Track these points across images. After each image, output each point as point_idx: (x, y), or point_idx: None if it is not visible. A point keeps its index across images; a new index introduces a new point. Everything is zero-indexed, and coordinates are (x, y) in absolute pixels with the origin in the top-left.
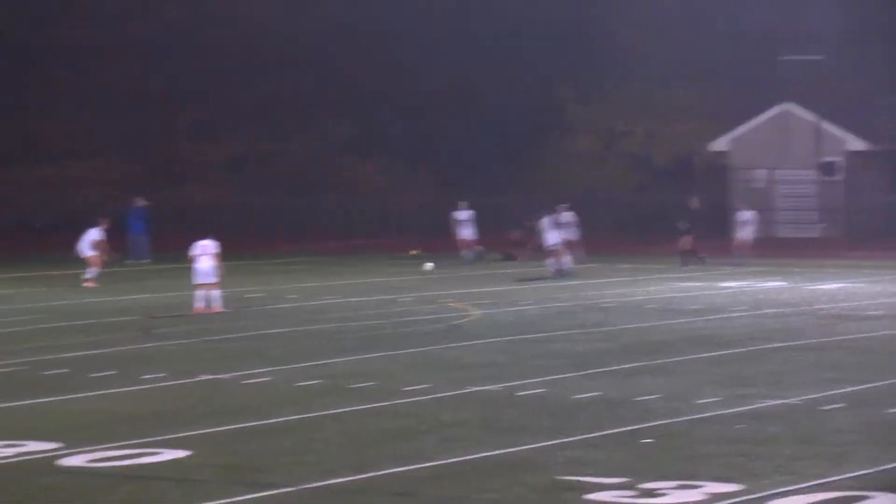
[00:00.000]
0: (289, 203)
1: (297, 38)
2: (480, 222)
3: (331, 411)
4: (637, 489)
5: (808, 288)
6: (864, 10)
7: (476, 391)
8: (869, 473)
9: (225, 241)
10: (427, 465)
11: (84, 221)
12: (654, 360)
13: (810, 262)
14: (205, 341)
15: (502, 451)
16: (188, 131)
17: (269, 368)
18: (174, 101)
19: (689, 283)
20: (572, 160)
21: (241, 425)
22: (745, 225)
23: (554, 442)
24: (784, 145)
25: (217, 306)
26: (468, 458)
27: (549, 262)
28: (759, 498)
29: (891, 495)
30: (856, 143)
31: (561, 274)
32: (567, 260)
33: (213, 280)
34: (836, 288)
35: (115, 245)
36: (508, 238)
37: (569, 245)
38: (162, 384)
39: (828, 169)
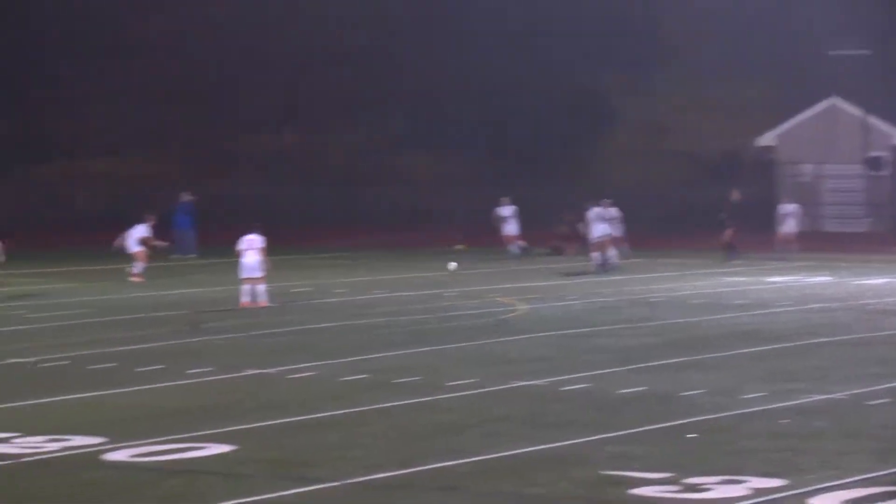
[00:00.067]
0: (337, 197)
1: (346, 30)
2: (529, 217)
3: (376, 406)
4: (682, 484)
5: (854, 283)
6: None
7: (522, 386)
8: None
9: (271, 236)
10: (472, 459)
11: (131, 216)
12: (700, 355)
13: (857, 257)
14: (251, 336)
15: (547, 446)
16: (236, 124)
17: (315, 363)
18: (222, 94)
19: (736, 278)
20: (620, 155)
21: (287, 420)
22: (788, 218)
23: (599, 437)
24: (831, 140)
25: (263, 301)
26: (513, 452)
27: (594, 256)
28: (803, 493)
29: None
30: None
31: (604, 268)
32: (612, 254)
33: (260, 275)
34: (883, 283)
35: (163, 239)
36: (556, 232)
37: (613, 240)
38: (208, 379)
39: (874, 164)
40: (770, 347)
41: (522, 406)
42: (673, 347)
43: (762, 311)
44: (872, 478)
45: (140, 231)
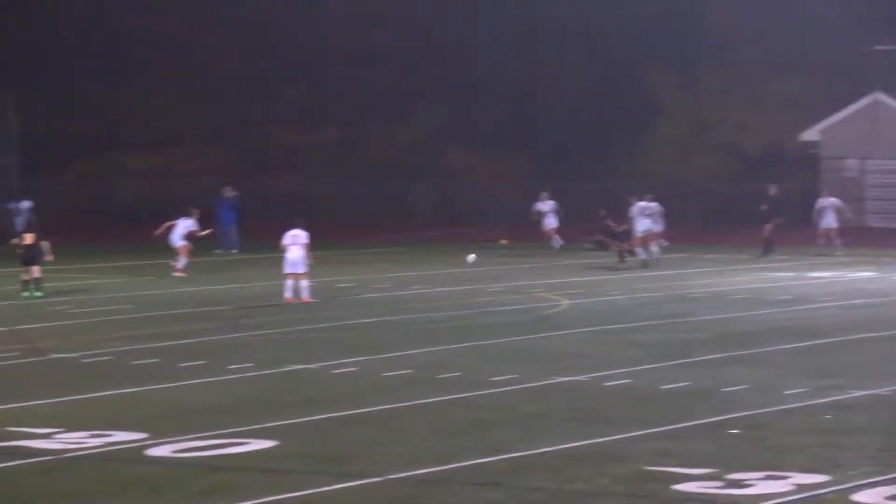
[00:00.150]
0: (379, 192)
1: (390, 24)
2: (571, 212)
3: (417, 401)
4: (723, 480)
5: None
6: None
7: (563, 382)
8: None
9: (313, 231)
10: (512, 455)
11: (175, 211)
12: (742, 350)
13: None
14: (293, 331)
15: (589, 442)
16: (278, 119)
17: (357, 358)
18: (266, 89)
19: (778, 273)
20: (663, 149)
21: (329, 415)
22: (827, 212)
23: (640, 432)
24: (875, 135)
25: (306, 296)
26: (554, 448)
27: (637, 252)
28: (845, 489)
29: None
30: None
31: (646, 263)
32: (654, 249)
33: (303, 270)
34: None
35: (209, 235)
36: (598, 228)
37: (655, 235)
38: (250, 374)
39: None
40: (812, 343)
41: (563, 402)
42: (715, 343)
43: (805, 307)
44: None
45: (186, 225)
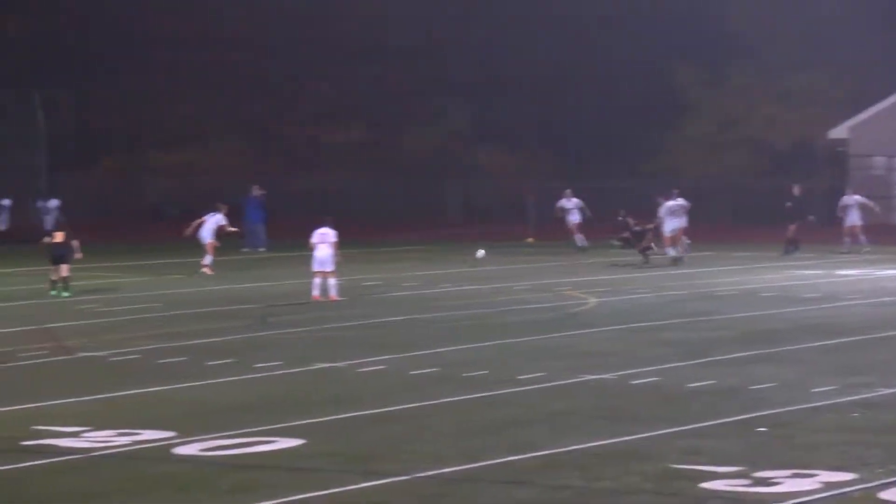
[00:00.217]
0: (406, 190)
1: (417, 23)
2: (600, 209)
3: (444, 400)
4: (751, 478)
5: None
6: None
7: (590, 380)
8: None
9: (343, 229)
10: (540, 453)
11: (202, 208)
12: (769, 348)
13: None
14: (321, 329)
15: (616, 440)
16: (306, 117)
17: (384, 357)
18: (294, 87)
19: (806, 271)
20: (691, 146)
21: (356, 413)
22: (851, 210)
23: (668, 430)
24: None
25: (333, 295)
26: (581, 446)
27: (668, 250)
28: (872, 487)
29: None
30: None
31: (677, 261)
32: (681, 248)
33: (331, 268)
34: None
35: (237, 233)
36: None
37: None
38: (277, 372)
39: None
40: (840, 341)
41: (590, 400)
42: (742, 341)
43: (832, 305)
44: None
45: (215, 220)
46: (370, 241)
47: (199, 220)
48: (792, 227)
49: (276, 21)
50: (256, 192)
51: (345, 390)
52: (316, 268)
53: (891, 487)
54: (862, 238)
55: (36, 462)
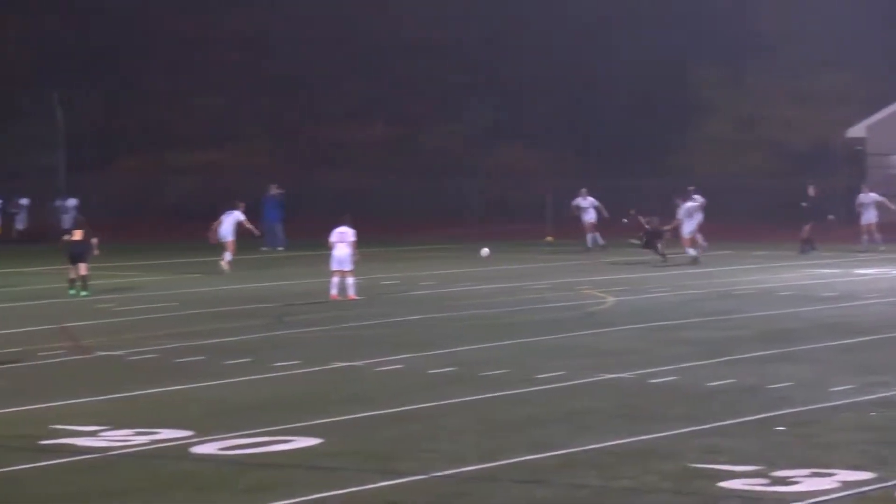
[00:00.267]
0: (425, 189)
1: (440, 21)
2: (617, 208)
3: (463, 399)
4: (770, 477)
5: None
6: None
7: (609, 379)
8: None
9: (362, 227)
10: (558, 452)
11: (221, 208)
12: (787, 347)
13: None
14: (339, 328)
15: (635, 439)
16: (326, 116)
17: (402, 356)
18: (313, 86)
19: (824, 270)
20: (710, 145)
21: (374, 413)
22: (868, 208)
23: (686, 430)
24: None
25: (351, 294)
26: (600, 445)
27: (688, 251)
28: (891, 486)
29: None
30: None
31: (697, 260)
32: (702, 245)
33: (349, 267)
34: None
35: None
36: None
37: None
38: (295, 372)
39: None
40: (858, 340)
41: (609, 399)
42: (760, 340)
43: (851, 304)
44: None
45: (235, 217)
46: (389, 239)
47: (216, 222)
48: (806, 228)
49: (296, 20)
50: (274, 191)
51: (362, 389)
52: (334, 267)
53: None
54: (877, 237)
55: (54, 461)
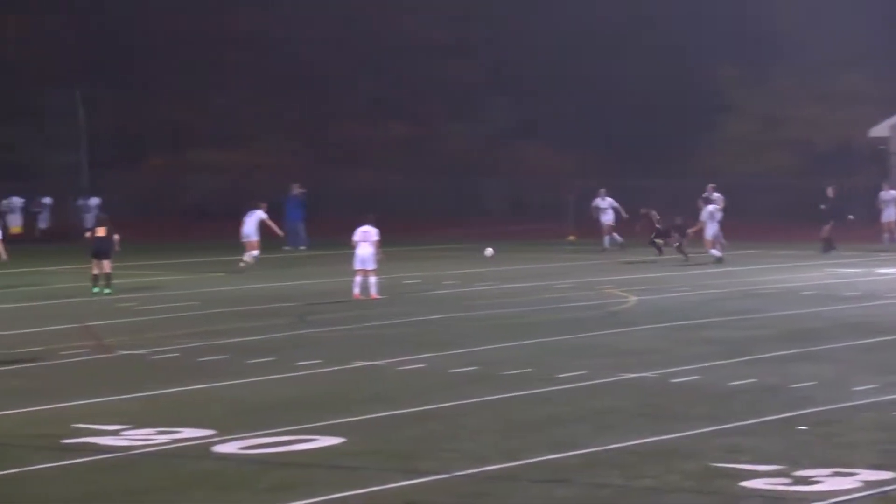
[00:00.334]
0: (447, 188)
1: (462, 21)
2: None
3: (485, 398)
4: (792, 476)
5: None
6: None
7: (631, 378)
8: None
9: (384, 226)
10: (580, 452)
11: (241, 206)
12: (810, 346)
13: None
14: (361, 328)
15: (657, 438)
16: (347, 115)
17: (424, 355)
18: (334, 85)
19: (847, 270)
20: (733, 145)
21: (396, 412)
22: (889, 205)
23: (708, 429)
24: None
25: (374, 293)
26: (622, 445)
27: (712, 251)
28: None
29: None
30: None
31: (721, 260)
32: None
33: (373, 267)
34: None
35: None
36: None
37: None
38: (317, 371)
39: None
40: (881, 339)
41: (631, 398)
42: (783, 339)
43: (872, 303)
44: None
45: (258, 216)
46: (411, 238)
47: (244, 222)
48: (826, 228)
49: (319, 18)
50: (297, 190)
51: (384, 389)
52: (357, 266)
53: None
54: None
55: (76, 460)
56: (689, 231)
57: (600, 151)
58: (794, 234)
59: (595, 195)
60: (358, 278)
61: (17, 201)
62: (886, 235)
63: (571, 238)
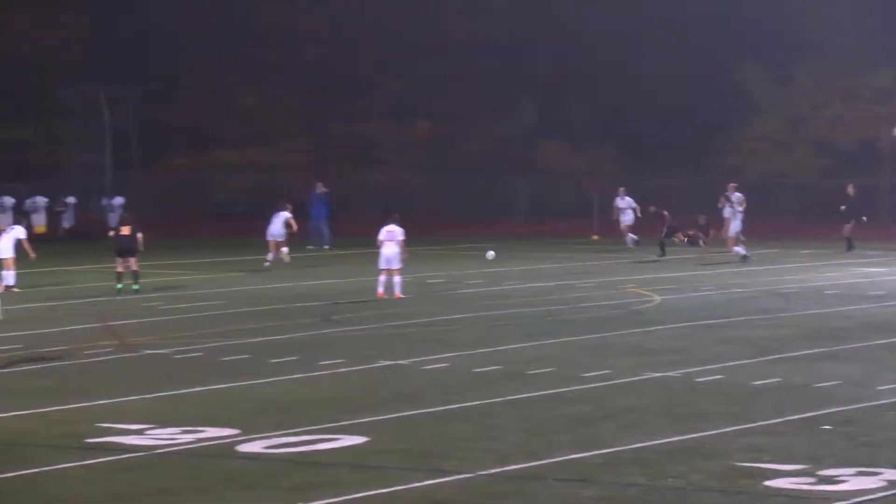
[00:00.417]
0: (471, 187)
1: (485, 20)
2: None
3: (509, 397)
4: (816, 476)
5: None
6: None
7: (655, 377)
8: None
9: (408, 225)
10: (604, 451)
11: (266, 205)
12: (834, 346)
13: None
14: (385, 327)
15: (681, 438)
16: (371, 115)
17: (448, 354)
18: (360, 84)
19: (871, 269)
20: (757, 144)
21: (420, 411)
22: None
23: (733, 428)
24: None
25: (398, 292)
26: (646, 444)
27: (737, 249)
28: None
29: None
30: None
31: (747, 258)
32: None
33: (397, 266)
34: None
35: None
36: (694, 222)
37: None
38: (341, 370)
39: None
40: None
41: (655, 397)
42: (807, 338)
43: None
44: None
45: (284, 216)
46: (435, 237)
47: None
48: (847, 227)
49: (342, 18)
50: (320, 189)
51: (408, 388)
52: (382, 265)
53: None
54: None
55: (101, 459)
56: (713, 231)
57: (623, 151)
58: (819, 232)
59: (615, 195)
60: (382, 277)
61: (41, 201)
62: None
63: (595, 237)
